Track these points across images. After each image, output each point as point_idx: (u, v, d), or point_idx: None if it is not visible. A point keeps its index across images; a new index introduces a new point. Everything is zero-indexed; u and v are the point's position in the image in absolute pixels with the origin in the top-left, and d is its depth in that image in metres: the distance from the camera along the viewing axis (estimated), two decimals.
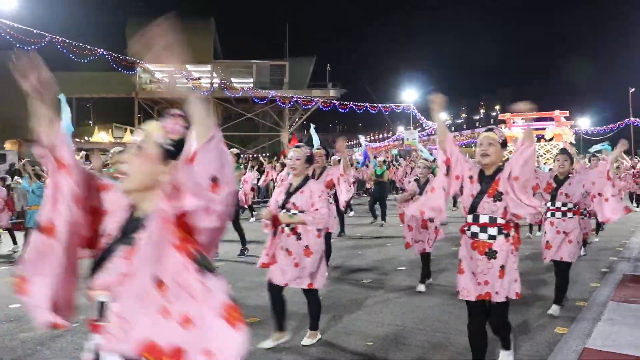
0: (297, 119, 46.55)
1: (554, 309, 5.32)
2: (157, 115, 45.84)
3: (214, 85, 43.12)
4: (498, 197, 3.45)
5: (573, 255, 5.33)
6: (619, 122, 39.74)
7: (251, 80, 44.40)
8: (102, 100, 47.59)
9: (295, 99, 40.53)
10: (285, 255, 4.28)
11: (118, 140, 36.04)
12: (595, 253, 8.67)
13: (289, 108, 43.74)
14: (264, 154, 38.33)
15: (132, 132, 40.25)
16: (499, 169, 3.54)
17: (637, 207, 14.67)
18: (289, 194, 4.38)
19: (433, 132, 55.62)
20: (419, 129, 45.93)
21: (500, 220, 3.46)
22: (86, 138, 36.18)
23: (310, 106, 42.30)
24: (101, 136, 34.95)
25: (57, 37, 27.17)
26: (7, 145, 27.92)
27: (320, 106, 41.90)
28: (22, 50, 1.62)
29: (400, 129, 55.68)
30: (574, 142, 27.94)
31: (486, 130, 3.63)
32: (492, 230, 3.47)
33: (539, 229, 9.58)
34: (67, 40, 27.88)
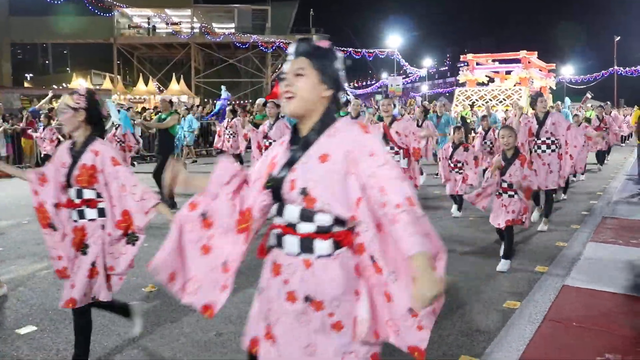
0: (279, 65, 45.86)
1: None
2: (137, 62, 44.82)
3: (194, 30, 42.05)
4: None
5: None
6: (603, 71, 39.71)
7: (232, 25, 43.36)
8: (80, 46, 46.22)
9: (277, 44, 39.74)
10: None
11: (97, 87, 35.13)
12: (576, 197, 8.83)
13: (271, 54, 43.02)
14: (246, 101, 37.81)
15: (111, 79, 39.27)
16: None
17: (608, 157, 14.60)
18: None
19: (417, 79, 55.30)
20: (402, 76, 45.47)
21: None
22: (64, 85, 35.26)
23: None
24: (79, 83, 34.03)
25: None
26: None
27: None
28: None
29: (384, 75, 55.19)
30: (553, 87, 27.23)
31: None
32: None
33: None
34: None
